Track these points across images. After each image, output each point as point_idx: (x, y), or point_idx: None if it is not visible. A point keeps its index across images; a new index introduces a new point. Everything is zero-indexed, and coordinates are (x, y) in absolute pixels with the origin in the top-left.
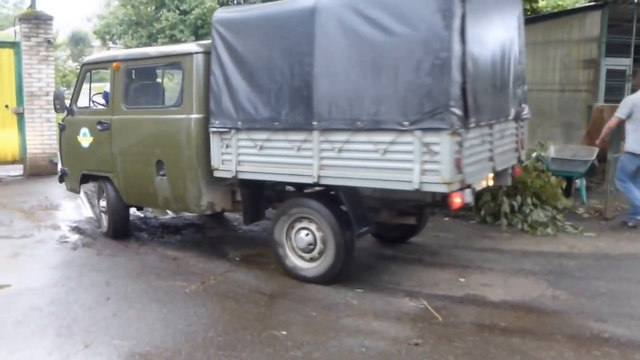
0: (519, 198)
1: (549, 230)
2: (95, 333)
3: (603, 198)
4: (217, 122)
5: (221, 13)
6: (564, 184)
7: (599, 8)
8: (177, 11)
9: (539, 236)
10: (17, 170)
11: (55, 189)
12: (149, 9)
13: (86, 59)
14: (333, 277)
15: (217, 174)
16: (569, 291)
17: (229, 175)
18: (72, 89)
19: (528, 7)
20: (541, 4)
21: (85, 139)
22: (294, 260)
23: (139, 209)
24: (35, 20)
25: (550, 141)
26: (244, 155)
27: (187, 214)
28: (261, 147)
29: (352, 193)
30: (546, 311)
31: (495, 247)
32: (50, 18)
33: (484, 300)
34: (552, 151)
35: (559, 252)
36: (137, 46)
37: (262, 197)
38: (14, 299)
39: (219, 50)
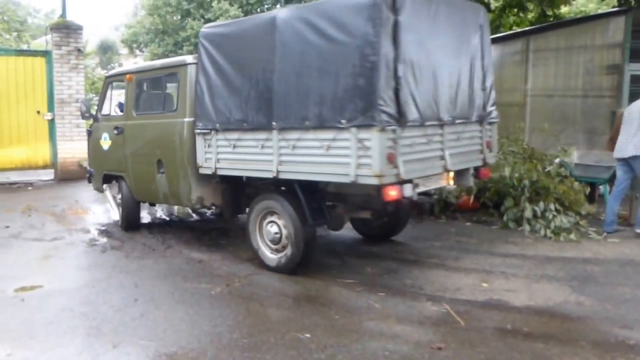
0: (541, 204)
1: (573, 236)
2: (123, 333)
3: (627, 204)
4: (200, 124)
5: (206, 28)
6: (588, 190)
7: (622, 13)
8: (202, 20)
9: (563, 242)
10: (48, 174)
11: (84, 193)
12: (174, 17)
13: (108, 73)
14: (295, 267)
15: (201, 170)
16: (594, 297)
17: (209, 171)
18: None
19: (550, 13)
20: (564, 10)
21: (105, 142)
22: (264, 251)
23: (152, 205)
24: (66, 29)
25: (573, 147)
26: (221, 154)
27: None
28: (234, 146)
29: (308, 187)
30: (570, 317)
31: (518, 253)
32: (80, 27)
33: (507, 306)
34: (575, 157)
35: (583, 258)
36: (163, 54)
37: (242, 192)
38: (46, 299)
39: (203, 60)
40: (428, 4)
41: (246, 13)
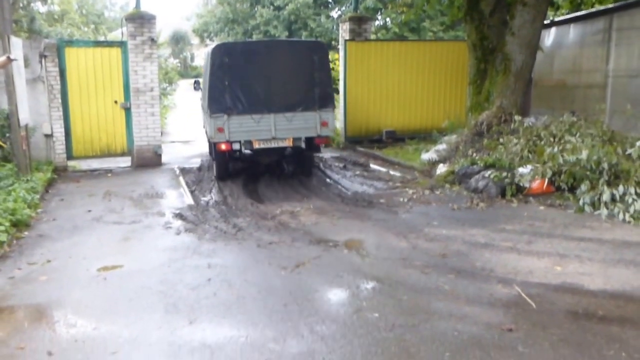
0: (621, 187)
1: None
2: (198, 311)
3: None
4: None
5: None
6: None
7: None
8: (271, 7)
9: None
10: (126, 162)
11: (160, 179)
12: (244, 6)
13: None
14: (216, 176)
15: None
16: None
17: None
18: (173, 85)
19: None
20: None
21: None
22: (213, 168)
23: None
24: (140, 19)
25: None
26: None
27: (286, 207)
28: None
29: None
30: None
31: (594, 237)
32: (154, 17)
33: (581, 289)
34: None
35: None
36: None
37: None
38: (126, 278)
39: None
40: (257, 49)
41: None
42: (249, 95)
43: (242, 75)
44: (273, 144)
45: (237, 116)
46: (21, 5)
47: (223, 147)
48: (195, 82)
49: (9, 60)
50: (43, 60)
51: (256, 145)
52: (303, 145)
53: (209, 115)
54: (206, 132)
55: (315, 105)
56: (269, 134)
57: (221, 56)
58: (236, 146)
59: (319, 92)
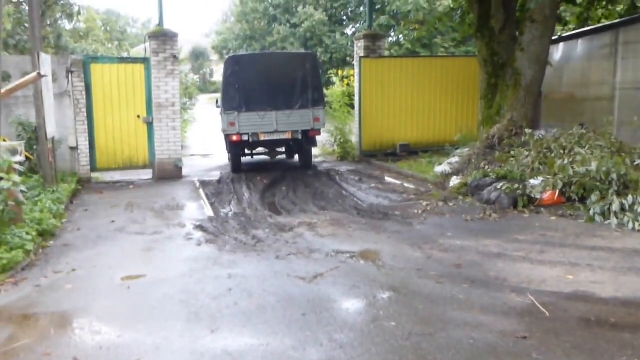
0: (630, 197)
1: None
2: (220, 320)
3: None
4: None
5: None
6: None
7: None
8: (288, 25)
9: None
10: (147, 174)
11: (180, 192)
12: (262, 23)
13: None
14: (232, 170)
15: None
16: None
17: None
18: (193, 100)
19: None
20: None
21: None
22: (229, 162)
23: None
24: (163, 37)
25: None
26: None
27: (303, 219)
28: None
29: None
30: None
31: (605, 246)
32: (176, 35)
33: (593, 297)
34: None
35: None
36: None
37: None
38: (149, 287)
39: None
40: (261, 59)
41: (330, 17)
42: (255, 96)
43: (250, 80)
44: (275, 136)
45: (246, 113)
46: (49, 22)
47: (234, 138)
48: (217, 100)
49: (40, 76)
50: (70, 76)
51: (261, 137)
52: (300, 136)
53: (223, 112)
54: (222, 128)
55: (309, 104)
56: (272, 128)
57: (232, 65)
58: (245, 137)
59: (311, 93)
